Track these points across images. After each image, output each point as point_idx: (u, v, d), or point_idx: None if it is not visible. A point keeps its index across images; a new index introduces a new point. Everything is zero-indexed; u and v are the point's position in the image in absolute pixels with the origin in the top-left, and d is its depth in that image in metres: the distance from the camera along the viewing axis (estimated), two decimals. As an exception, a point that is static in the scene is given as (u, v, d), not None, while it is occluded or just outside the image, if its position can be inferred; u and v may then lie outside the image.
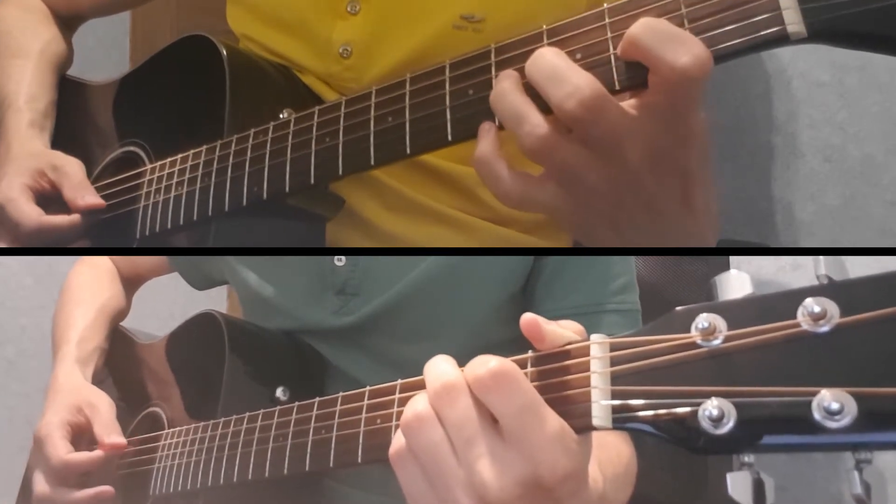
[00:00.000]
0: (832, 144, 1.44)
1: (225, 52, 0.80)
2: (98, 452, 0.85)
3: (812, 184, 1.46)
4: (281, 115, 0.75)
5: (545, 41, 0.58)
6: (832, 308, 0.39)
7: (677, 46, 0.51)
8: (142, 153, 0.87)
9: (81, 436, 0.88)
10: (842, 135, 1.44)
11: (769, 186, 1.48)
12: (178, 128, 0.84)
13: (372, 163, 0.66)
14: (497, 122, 0.58)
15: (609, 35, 0.55)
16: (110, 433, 0.86)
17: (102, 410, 0.88)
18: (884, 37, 0.49)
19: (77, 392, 0.90)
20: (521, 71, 0.57)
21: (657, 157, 0.54)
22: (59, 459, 0.84)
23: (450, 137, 0.61)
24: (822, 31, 0.50)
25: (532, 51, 0.57)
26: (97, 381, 0.97)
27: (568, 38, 0.57)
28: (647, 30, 0.52)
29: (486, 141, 0.57)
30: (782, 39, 0.51)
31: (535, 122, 0.54)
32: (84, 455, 0.85)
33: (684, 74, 0.51)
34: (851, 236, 1.42)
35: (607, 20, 0.55)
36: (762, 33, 0.51)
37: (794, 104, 1.45)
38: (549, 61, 0.54)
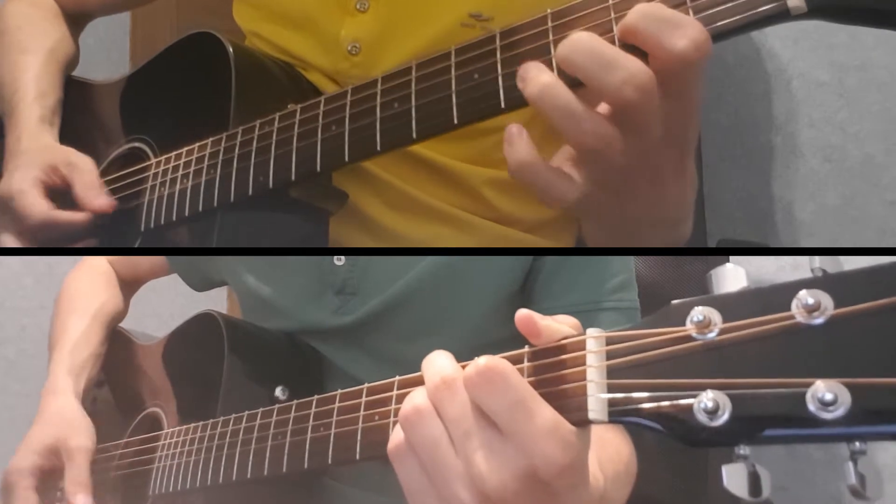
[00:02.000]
0: (832, 144, 1.45)
1: (231, 50, 0.81)
2: None
3: (812, 183, 1.46)
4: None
5: (549, 24, 0.58)
6: (826, 300, 0.39)
7: (674, 30, 0.51)
8: (147, 149, 0.88)
9: (50, 476, 0.87)
10: (842, 135, 1.44)
11: (769, 186, 1.48)
12: (183, 124, 0.84)
13: (378, 148, 0.66)
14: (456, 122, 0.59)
15: (613, 16, 0.55)
16: (81, 485, 0.85)
17: (78, 455, 0.86)
18: (883, 11, 0.49)
19: (61, 426, 0.90)
20: (523, 56, 0.57)
21: (666, 131, 0.55)
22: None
23: (455, 121, 0.62)
24: (822, 5, 0.50)
25: (536, 34, 0.58)
26: (92, 387, 0.97)
27: (572, 20, 0.57)
28: (643, 16, 0.52)
29: (524, 144, 0.56)
30: (783, 14, 0.51)
31: (595, 120, 0.53)
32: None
33: (682, 59, 0.51)
34: (851, 236, 1.42)
35: (610, 1, 0.56)
36: (763, 8, 0.51)
37: (794, 104, 1.45)
38: (594, 47, 0.53)
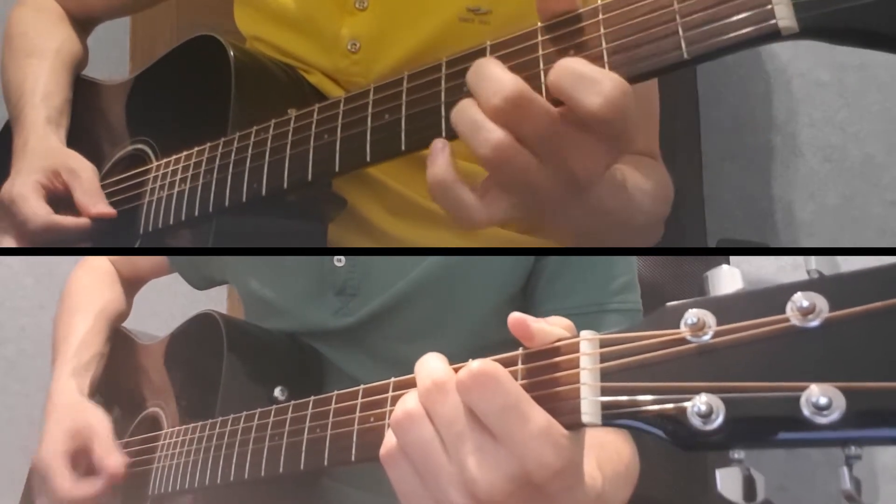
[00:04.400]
0: (832, 144, 1.45)
1: (232, 53, 0.81)
2: (102, 479, 0.85)
3: (812, 183, 1.46)
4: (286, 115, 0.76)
5: (539, 38, 0.58)
6: (821, 302, 0.39)
7: (588, 87, 0.51)
8: (149, 151, 0.88)
9: (79, 459, 0.88)
10: (842, 135, 1.44)
11: (769, 186, 1.48)
12: (185, 126, 0.85)
13: (368, 159, 0.66)
14: (445, 134, 0.59)
15: (602, 31, 0.55)
16: (110, 454, 0.86)
17: (101, 432, 0.87)
18: (878, 33, 0.48)
19: (74, 413, 0.90)
20: (514, 69, 0.57)
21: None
22: (66, 493, 0.84)
23: (444, 133, 0.61)
24: (814, 26, 0.49)
25: (526, 48, 0.57)
26: (97, 387, 0.97)
27: (562, 34, 0.57)
28: (561, 73, 0.52)
29: (443, 161, 0.57)
30: (773, 35, 0.50)
31: (490, 128, 0.54)
32: (89, 485, 0.85)
33: (595, 117, 0.51)
34: (851, 236, 1.42)
35: (601, 16, 0.55)
36: (753, 28, 0.50)
37: (794, 104, 1.45)
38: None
